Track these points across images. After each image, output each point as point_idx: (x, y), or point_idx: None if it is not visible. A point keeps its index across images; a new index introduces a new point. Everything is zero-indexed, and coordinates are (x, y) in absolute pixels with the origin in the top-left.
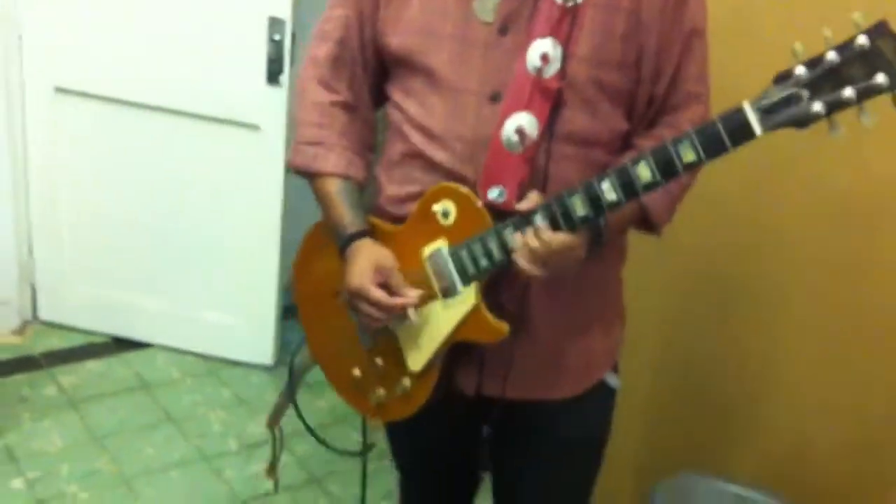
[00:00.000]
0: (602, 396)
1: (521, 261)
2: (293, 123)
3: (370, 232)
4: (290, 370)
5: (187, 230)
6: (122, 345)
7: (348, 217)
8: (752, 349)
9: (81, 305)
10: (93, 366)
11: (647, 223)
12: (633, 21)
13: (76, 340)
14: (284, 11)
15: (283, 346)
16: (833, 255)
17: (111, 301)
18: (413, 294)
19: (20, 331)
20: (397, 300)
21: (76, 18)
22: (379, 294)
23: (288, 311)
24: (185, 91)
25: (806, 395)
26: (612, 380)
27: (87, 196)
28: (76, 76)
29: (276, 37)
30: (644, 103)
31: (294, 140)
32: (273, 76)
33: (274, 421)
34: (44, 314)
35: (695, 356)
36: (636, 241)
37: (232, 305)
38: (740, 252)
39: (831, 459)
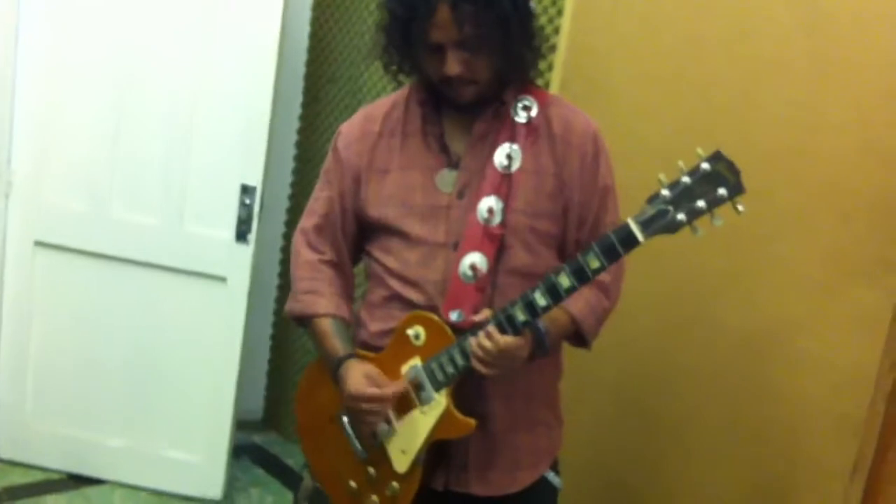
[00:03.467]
0: (546, 493)
1: (476, 362)
2: (256, 277)
3: (357, 356)
4: (294, 496)
5: (150, 372)
6: (79, 481)
7: (339, 346)
8: (667, 466)
9: (41, 443)
10: (52, 500)
11: (580, 337)
12: (557, 181)
13: (35, 477)
14: (256, 180)
15: (232, 481)
16: (732, 384)
17: (70, 439)
18: (397, 386)
19: None
20: (389, 389)
21: (60, 176)
22: (373, 391)
23: (238, 450)
24: (159, 246)
25: None
26: (554, 479)
27: (56, 340)
28: (56, 231)
29: (247, 201)
30: (572, 246)
31: (291, 293)
32: (242, 235)
33: None
34: (3, 452)
35: (622, 462)
36: (575, 363)
37: (188, 443)
38: (657, 383)
39: None
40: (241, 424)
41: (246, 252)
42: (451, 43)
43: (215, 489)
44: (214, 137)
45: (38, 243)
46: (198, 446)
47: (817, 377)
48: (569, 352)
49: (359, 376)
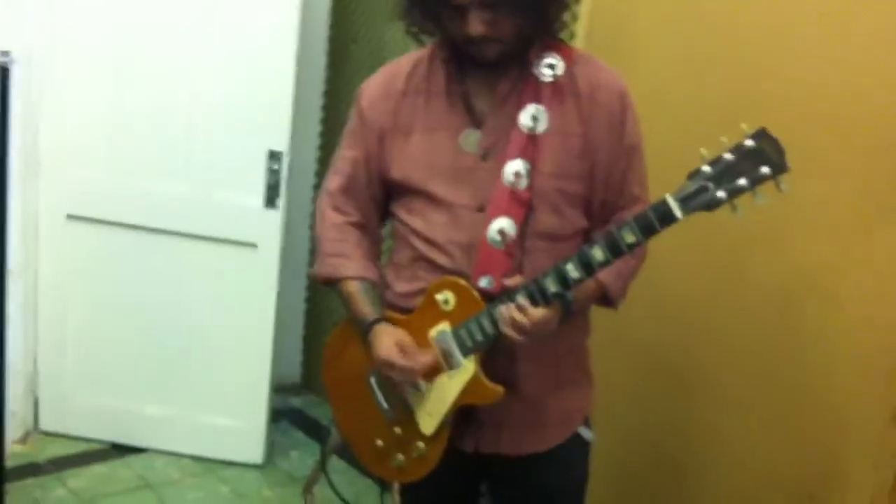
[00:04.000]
0: (579, 448)
1: (508, 330)
2: (288, 242)
3: (387, 319)
4: (321, 445)
5: (186, 341)
6: (121, 450)
7: (368, 309)
8: (703, 418)
9: (81, 414)
10: (97, 469)
11: (607, 299)
12: (584, 142)
13: (77, 448)
14: (283, 145)
15: (272, 445)
16: (766, 334)
17: (110, 409)
18: (427, 357)
19: (23, 440)
20: (418, 360)
21: (89, 150)
22: (403, 360)
23: (277, 414)
24: (190, 214)
25: (747, 462)
26: (586, 433)
27: (92, 311)
28: (87, 204)
29: (275, 167)
30: (598, 205)
31: (318, 255)
32: (271, 200)
33: (307, 489)
34: (44, 424)
35: (655, 422)
36: (607, 320)
37: (227, 409)
38: (689, 339)
39: None
40: (280, 388)
41: (276, 217)
42: (473, 3)
43: (256, 453)
44: (239, 104)
45: (71, 217)
46: (237, 411)
47: (852, 320)
48: (599, 311)
49: (389, 342)
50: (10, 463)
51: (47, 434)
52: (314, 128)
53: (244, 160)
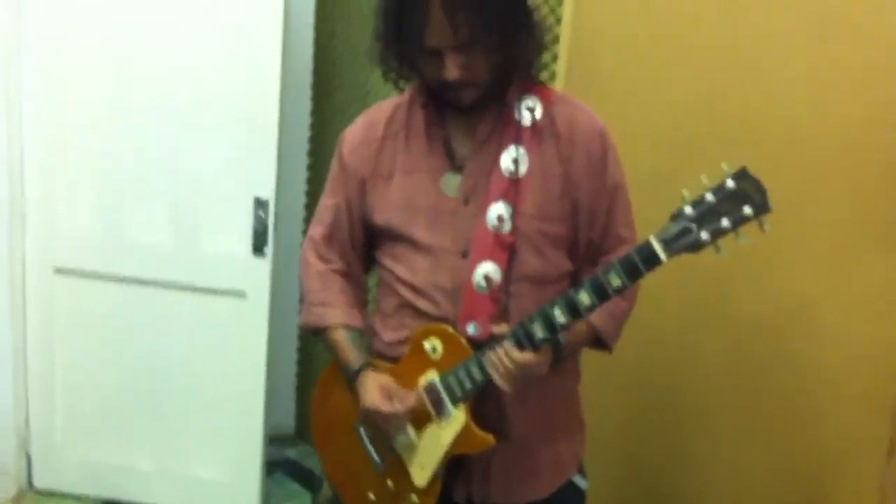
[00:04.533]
0: (574, 496)
1: (497, 377)
2: (278, 290)
3: (373, 366)
4: (314, 499)
5: (177, 393)
6: None
7: (353, 357)
8: (696, 453)
9: (74, 471)
10: None
11: (600, 342)
12: (565, 182)
13: None
14: (269, 192)
15: (267, 498)
16: (754, 365)
17: (102, 465)
18: (413, 400)
19: (17, 499)
20: (404, 405)
21: (75, 201)
22: (388, 406)
23: (272, 466)
24: (177, 264)
25: (741, 494)
26: (581, 482)
27: (81, 365)
28: (74, 257)
29: (261, 214)
30: (584, 247)
31: (304, 304)
32: (258, 248)
33: None
34: (38, 482)
35: (646, 461)
36: (594, 362)
37: (220, 462)
38: (678, 372)
39: None
40: (274, 439)
41: (264, 265)
42: (447, 48)
43: None
44: (223, 152)
45: (58, 270)
46: (230, 464)
47: (839, 351)
48: (586, 352)
49: (374, 390)
50: None
51: (41, 492)
52: (301, 174)
53: (230, 209)
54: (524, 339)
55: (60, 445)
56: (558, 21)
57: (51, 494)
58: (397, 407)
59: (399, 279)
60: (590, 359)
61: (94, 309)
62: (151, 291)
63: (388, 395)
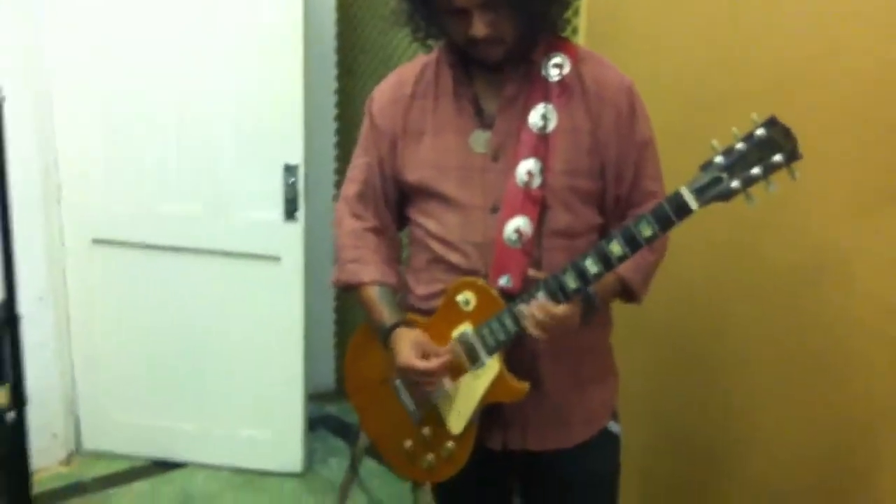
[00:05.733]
0: (608, 442)
1: (531, 328)
2: (312, 253)
3: (406, 322)
4: (351, 450)
5: (218, 356)
6: (162, 466)
7: (387, 314)
8: (729, 405)
9: (122, 433)
10: (140, 486)
11: (629, 293)
12: (593, 138)
13: (119, 466)
14: (298, 158)
15: (310, 454)
16: (785, 319)
17: (149, 427)
18: (447, 357)
19: (67, 461)
20: (438, 361)
21: (107, 174)
22: (423, 364)
23: (314, 423)
24: (212, 232)
25: (776, 441)
26: (614, 427)
27: (123, 331)
28: (110, 227)
29: (291, 180)
30: (612, 201)
31: (337, 261)
32: (290, 213)
33: (343, 495)
34: (87, 444)
35: (682, 409)
36: (626, 313)
37: (263, 421)
38: (709, 326)
39: (804, 497)
40: (315, 397)
41: (296, 230)
42: (474, 5)
43: (295, 463)
44: (252, 120)
45: (96, 241)
46: (273, 422)
47: (873, 301)
48: (617, 304)
49: (408, 347)
50: (55, 484)
51: (90, 454)
52: (329, 139)
53: (261, 175)
54: (556, 291)
55: (107, 409)
56: None
57: (100, 456)
58: (432, 363)
59: (431, 234)
60: (622, 311)
61: (133, 277)
62: (188, 259)
63: (423, 352)
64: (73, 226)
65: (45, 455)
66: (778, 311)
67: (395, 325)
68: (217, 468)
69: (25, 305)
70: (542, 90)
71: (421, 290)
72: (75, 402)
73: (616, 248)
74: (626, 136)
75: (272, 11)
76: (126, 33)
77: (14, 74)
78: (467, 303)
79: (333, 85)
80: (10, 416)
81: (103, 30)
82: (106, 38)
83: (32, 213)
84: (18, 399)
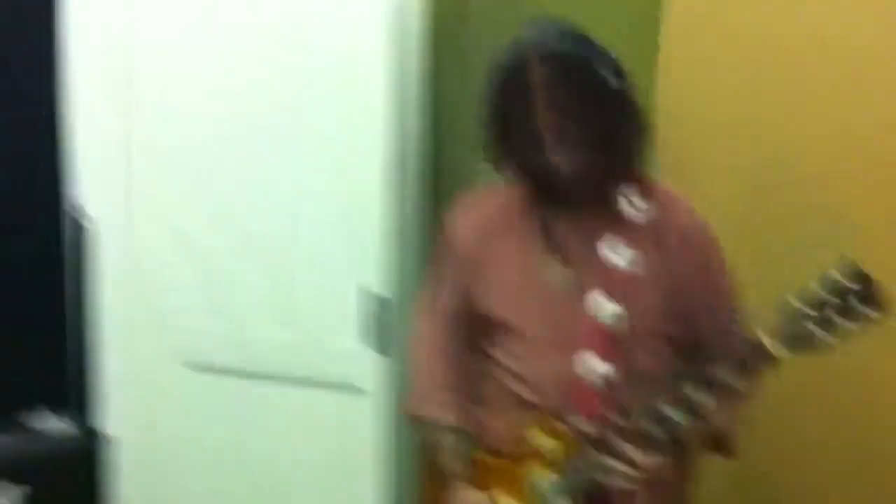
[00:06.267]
0: None
1: (613, 477)
2: (399, 387)
3: (476, 467)
4: None
5: (295, 489)
6: None
7: (454, 463)
8: None
9: None
10: None
11: (719, 445)
12: (676, 284)
13: None
14: (388, 290)
15: None
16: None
17: None
18: None
19: None
20: None
21: (195, 298)
22: None
23: None
24: (296, 359)
25: None
26: None
27: (199, 459)
28: (196, 351)
29: (382, 311)
30: (695, 344)
31: (413, 390)
32: (379, 346)
33: None
34: None
35: None
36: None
37: None
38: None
39: None
40: None
41: (386, 363)
42: (553, 137)
43: None
44: (344, 251)
45: (184, 363)
46: None
47: None
48: None
49: None
50: None
51: None
52: (418, 264)
53: (352, 306)
54: (639, 437)
55: None
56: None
57: None
58: None
59: (504, 369)
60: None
61: (213, 402)
62: (266, 385)
63: None
64: (161, 347)
65: None
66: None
67: (461, 477)
68: None
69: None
70: (624, 228)
71: (492, 424)
72: None
73: (699, 395)
74: (704, 279)
75: (362, 133)
76: (211, 160)
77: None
78: (542, 445)
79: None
80: None
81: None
82: (189, 163)
83: (122, 333)
84: None
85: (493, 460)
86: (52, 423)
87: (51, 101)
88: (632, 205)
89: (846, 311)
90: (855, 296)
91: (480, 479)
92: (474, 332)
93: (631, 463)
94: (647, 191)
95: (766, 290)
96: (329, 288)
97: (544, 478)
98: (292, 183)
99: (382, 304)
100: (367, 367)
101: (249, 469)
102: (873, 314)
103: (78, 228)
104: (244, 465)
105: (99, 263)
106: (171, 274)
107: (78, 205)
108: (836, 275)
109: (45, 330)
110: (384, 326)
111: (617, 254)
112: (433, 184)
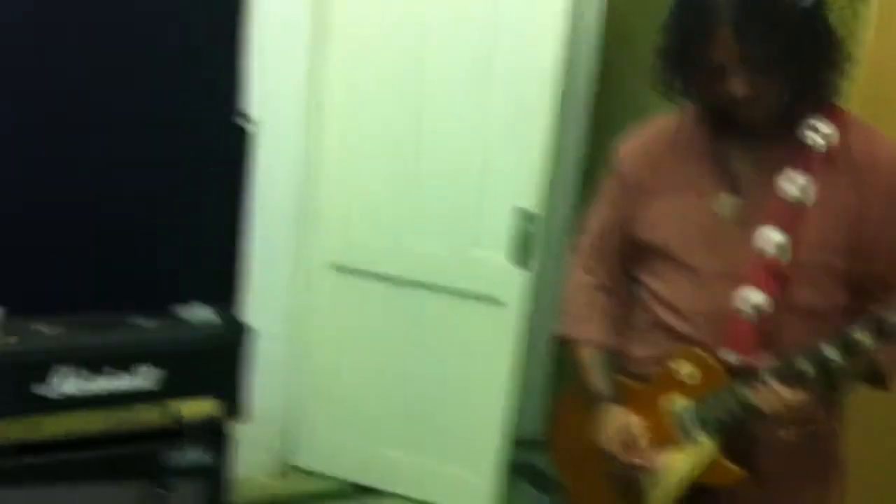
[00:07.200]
0: None
1: (763, 412)
2: (539, 299)
3: (617, 390)
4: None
5: (432, 391)
6: (358, 490)
7: (601, 384)
8: None
9: (329, 453)
10: None
11: (878, 378)
12: (857, 217)
13: (323, 486)
14: (537, 205)
15: (504, 500)
16: None
17: (355, 450)
18: (651, 457)
19: (276, 475)
20: (638, 459)
21: (356, 207)
22: (622, 456)
23: (516, 469)
24: (444, 270)
25: None
26: None
27: (341, 357)
28: (351, 256)
29: (529, 227)
30: (872, 282)
31: (562, 314)
32: (522, 260)
33: None
34: (299, 461)
35: None
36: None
37: (460, 459)
38: None
39: None
40: (523, 444)
41: (526, 277)
42: (734, 63)
43: None
44: (497, 165)
45: (336, 267)
46: (472, 463)
47: None
48: None
49: (613, 430)
50: (256, 495)
51: (300, 470)
52: (571, 188)
53: (499, 220)
54: (789, 376)
55: (323, 430)
56: (853, 37)
57: (308, 474)
58: (633, 461)
59: (658, 297)
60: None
61: (367, 307)
62: (416, 293)
63: (626, 441)
64: (318, 250)
65: (256, 467)
66: None
67: (605, 397)
68: (412, 500)
69: (265, 323)
70: (803, 158)
71: (637, 352)
72: (295, 420)
73: (863, 337)
74: (893, 215)
75: (531, 56)
76: (400, 61)
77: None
78: (689, 375)
79: (584, 137)
80: (223, 427)
81: (377, 66)
82: (378, 78)
83: (281, 233)
84: (233, 413)
85: (635, 385)
86: (198, 313)
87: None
88: (816, 132)
89: None
90: None
91: (621, 403)
92: (630, 259)
93: (779, 400)
94: (835, 119)
95: None
96: (483, 204)
97: (685, 407)
98: (461, 103)
99: (531, 219)
100: (509, 281)
101: (389, 370)
102: None
103: (240, 130)
104: (384, 367)
105: (265, 167)
106: (335, 184)
107: (243, 107)
108: None
109: (205, 228)
110: (530, 242)
111: (795, 186)
112: (601, 112)
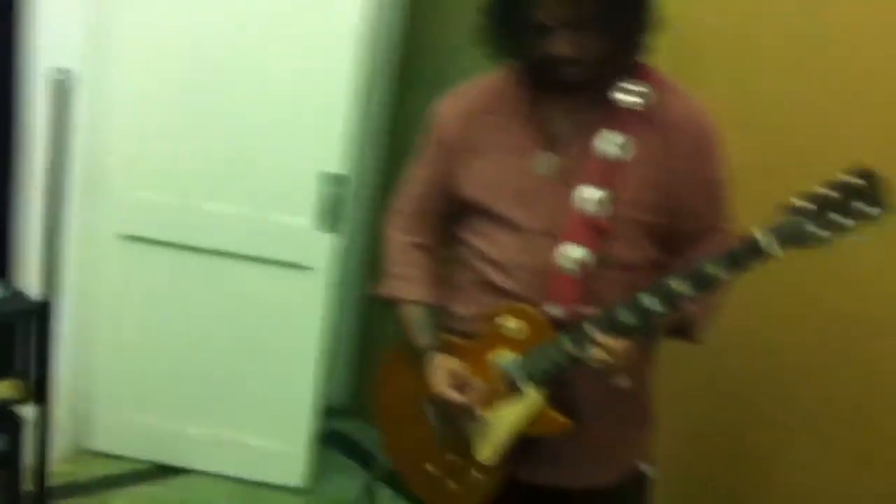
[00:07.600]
0: (640, 484)
1: (590, 361)
2: (345, 264)
3: (443, 347)
4: (368, 471)
5: (234, 363)
6: (165, 471)
7: (425, 337)
8: (769, 458)
9: (130, 434)
10: (140, 490)
11: (687, 332)
12: (666, 172)
13: (122, 468)
14: (342, 167)
15: (316, 470)
16: (841, 370)
17: (156, 429)
18: (482, 392)
19: (69, 458)
20: (472, 396)
21: (145, 170)
22: (456, 396)
23: (325, 438)
24: (244, 235)
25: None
26: (647, 470)
27: (135, 331)
28: (142, 224)
29: (335, 190)
30: (679, 236)
31: (383, 274)
32: (329, 224)
33: None
34: (92, 443)
35: (720, 460)
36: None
37: (270, 431)
38: (759, 375)
39: None
40: (331, 412)
41: (332, 240)
42: (557, 23)
43: (297, 477)
44: (299, 127)
45: (125, 237)
46: (280, 434)
47: None
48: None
49: (442, 375)
50: (56, 482)
51: (94, 453)
52: (376, 150)
53: (303, 183)
54: (610, 326)
55: (117, 409)
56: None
57: (104, 456)
58: (466, 399)
59: (480, 255)
60: (665, 352)
61: (160, 276)
62: (216, 261)
63: (457, 382)
64: (105, 220)
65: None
66: (833, 361)
67: (432, 350)
68: (220, 477)
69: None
70: (618, 117)
71: (462, 310)
72: (86, 400)
73: (680, 286)
74: (699, 173)
75: (335, 14)
76: (188, 20)
77: (78, 55)
78: (513, 329)
79: (388, 97)
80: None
81: (157, 31)
82: (160, 36)
83: (68, 203)
84: (40, 395)
85: (461, 342)
86: None
87: None
88: (630, 92)
89: (845, 209)
90: (857, 193)
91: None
92: (452, 218)
93: (602, 348)
94: (648, 79)
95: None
96: (287, 167)
97: (511, 361)
98: (260, 60)
99: (339, 181)
100: (316, 246)
101: (188, 344)
102: (873, 211)
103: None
104: (183, 341)
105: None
106: (125, 146)
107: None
108: (842, 175)
109: None
110: (339, 205)
111: (611, 144)
112: (408, 72)
